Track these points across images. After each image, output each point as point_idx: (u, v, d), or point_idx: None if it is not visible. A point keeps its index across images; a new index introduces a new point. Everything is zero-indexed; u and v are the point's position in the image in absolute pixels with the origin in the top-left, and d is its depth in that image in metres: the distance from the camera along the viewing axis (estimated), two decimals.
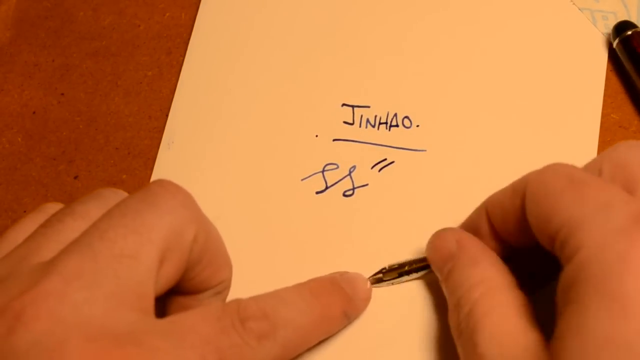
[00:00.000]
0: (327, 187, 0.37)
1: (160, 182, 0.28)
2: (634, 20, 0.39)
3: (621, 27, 0.38)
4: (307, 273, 0.35)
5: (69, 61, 0.42)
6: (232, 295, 0.35)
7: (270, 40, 0.40)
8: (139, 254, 0.25)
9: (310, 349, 0.31)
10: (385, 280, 0.34)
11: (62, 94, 0.41)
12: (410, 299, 0.34)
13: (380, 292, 0.34)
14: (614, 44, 0.38)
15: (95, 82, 0.41)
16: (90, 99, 0.41)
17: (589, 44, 0.38)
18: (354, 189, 0.37)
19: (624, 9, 0.39)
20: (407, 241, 0.36)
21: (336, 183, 0.37)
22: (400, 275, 0.34)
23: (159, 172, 0.38)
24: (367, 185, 0.37)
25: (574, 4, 0.40)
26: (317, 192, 0.37)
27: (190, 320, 0.25)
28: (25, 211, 0.39)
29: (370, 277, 0.34)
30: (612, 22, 0.39)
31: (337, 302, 0.31)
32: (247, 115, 0.39)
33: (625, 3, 0.39)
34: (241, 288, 0.35)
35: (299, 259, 0.36)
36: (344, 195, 0.37)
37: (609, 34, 0.38)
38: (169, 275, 0.27)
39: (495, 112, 0.38)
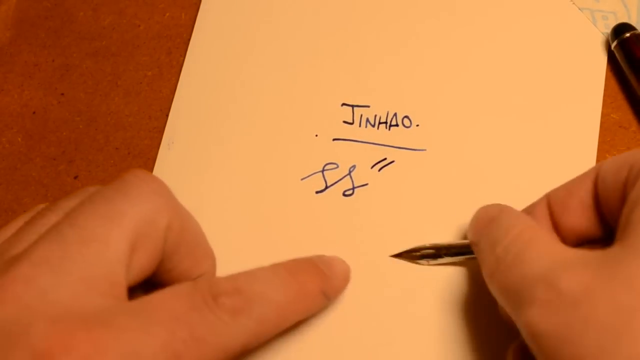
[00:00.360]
0: (327, 187, 0.37)
1: (134, 172, 0.28)
2: (634, 20, 0.39)
3: (619, 29, 0.38)
4: None
5: (69, 61, 0.42)
6: None
7: (270, 40, 0.40)
8: (108, 239, 0.25)
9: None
10: (419, 257, 0.34)
11: (62, 94, 0.41)
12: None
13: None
14: (612, 46, 0.38)
15: (95, 82, 0.41)
16: (90, 99, 0.41)
17: (589, 44, 0.38)
18: (353, 188, 0.37)
19: (624, 9, 0.39)
20: (407, 241, 0.36)
21: (336, 182, 0.37)
22: (436, 256, 0.34)
23: (159, 172, 0.38)
24: (367, 184, 0.37)
25: (574, 4, 0.40)
26: (317, 192, 0.37)
27: (159, 298, 0.25)
28: (25, 211, 0.39)
29: (405, 251, 0.34)
30: (612, 22, 0.39)
31: (314, 279, 0.31)
32: (247, 115, 0.39)
33: (625, 3, 0.39)
34: None
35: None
36: (344, 194, 0.37)
37: (608, 35, 0.38)
38: (142, 263, 0.26)
39: (495, 112, 0.38)
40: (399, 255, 0.35)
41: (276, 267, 0.29)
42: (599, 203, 0.30)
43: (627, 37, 0.37)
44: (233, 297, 0.26)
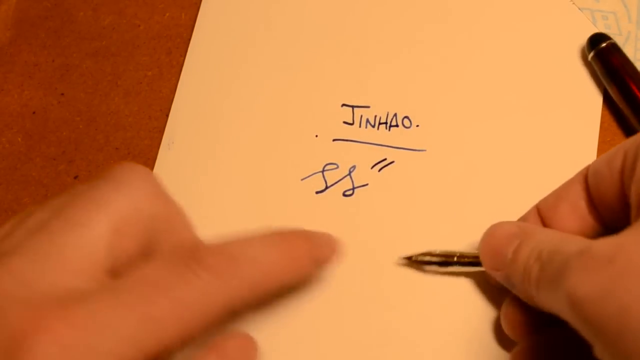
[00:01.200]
0: (327, 187, 0.37)
1: (121, 163, 0.28)
2: (633, 20, 0.39)
3: (595, 40, 0.37)
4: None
5: (69, 61, 0.42)
6: None
7: (271, 40, 0.40)
8: (89, 221, 0.25)
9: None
10: (427, 263, 0.34)
11: (62, 94, 0.41)
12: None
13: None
14: (589, 57, 0.37)
15: (95, 82, 0.41)
16: (90, 99, 0.41)
17: None
18: (353, 188, 0.37)
19: (623, 9, 0.39)
20: (406, 241, 0.36)
21: (336, 183, 0.37)
22: (445, 264, 0.34)
23: (159, 172, 0.38)
24: (367, 185, 0.37)
25: (574, 4, 0.40)
26: (317, 192, 0.37)
27: (139, 271, 0.25)
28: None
29: (415, 255, 0.34)
30: (612, 22, 0.39)
31: (303, 244, 0.30)
32: (247, 115, 0.39)
33: (625, 3, 0.39)
34: None
35: None
36: (344, 195, 0.37)
37: (584, 47, 0.38)
38: (127, 247, 0.26)
39: (494, 112, 0.38)
40: (407, 259, 0.34)
41: (265, 233, 0.29)
42: (592, 202, 0.30)
43: (604, 47, 0.37)
44: (217, 256, 0.26)
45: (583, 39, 0.38)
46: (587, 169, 0.30)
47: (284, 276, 0.29)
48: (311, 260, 0.30)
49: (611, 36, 0.38)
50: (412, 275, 0.35)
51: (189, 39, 0.41)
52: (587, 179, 0.30)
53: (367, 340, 0.34)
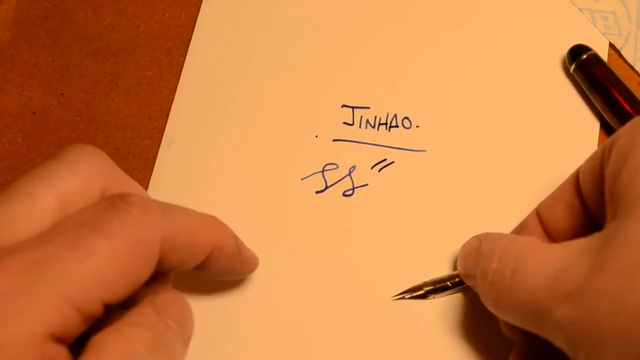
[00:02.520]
0: (327, 187, 0.37)
1: (72, 144, 0.28)
2: (633, 20, 0.39)
3: (575, 52, 0.37)
4: (306, 271, 0.35)
5: (69, 61, 0.42)
6: (233, 294, 0.35)
7: (271, 41, 0.40)
8: (34, 192, 0.25)
9: None
10: (423, 296, 0.34)
11: (62, 94, 0.41)
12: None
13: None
14: (571, 70, 0.37)
15: (95, 82, 0.41)
16: (90, 99, 0.41)
17: (588, 43, 0.38)
18: (353, 188, 0.37)
19: (623, 9, 0.39)
20: (406, 240, 0.36)
21: (336, 183, 0.37)
22: (442, 290, 0.34)
23: (159, 172, 0.38)
24: (367, 185, 0.37)
25: (573, 4, 0.40)
26: (317, 192, 0.37)
27: (69, 217, 0.25)
28: None
29: (409, 292, 0.34)
30: (612, 22, 0.39)
31: (230, 231, 0.31)
32: (247, 115, 0.39)
33: (625, 3, 0.39)
34: (241, 286, 0.35)
35: (298, 257, 0.36)
36: (344, 195, 0.37)
37: (564, 58, 0.38)
38: None
39: (494, 112, 0.38)
40: (402, 295, 0.35)
41: None
42: (583, 199, 0.30)
43: (585, 59, 0.37)
44: (144, 197, 0.26)
45: (583, 40, 0.38)
46: (579, 167, 0.30)
47: (209, 236, 0.29)
48: (234, 243, 0.30)
49: (611, 36, 0.39)
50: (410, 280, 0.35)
51: (189, 39, 0.41)
52: (578, 179, 0.30)
53: (368, 338, 0.34)
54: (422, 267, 0.35)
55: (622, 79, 0.36)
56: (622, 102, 0.36)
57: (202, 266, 0.29)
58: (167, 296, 0.27)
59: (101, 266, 0.24)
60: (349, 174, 0.37)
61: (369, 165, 0.37)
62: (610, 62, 0.38)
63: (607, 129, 0.37)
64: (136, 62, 0.41)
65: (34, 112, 0.41)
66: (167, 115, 0.39)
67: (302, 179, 0.37)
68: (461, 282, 0.34)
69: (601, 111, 0.37)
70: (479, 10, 0.40)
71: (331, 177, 0.37)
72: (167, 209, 0.27)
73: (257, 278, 0.35)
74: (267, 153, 0.38)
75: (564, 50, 0.38)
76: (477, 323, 0.34)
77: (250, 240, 0.36)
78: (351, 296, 0.35)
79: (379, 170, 0.37)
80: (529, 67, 0.38)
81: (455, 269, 0.35)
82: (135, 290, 0.26)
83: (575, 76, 0.37)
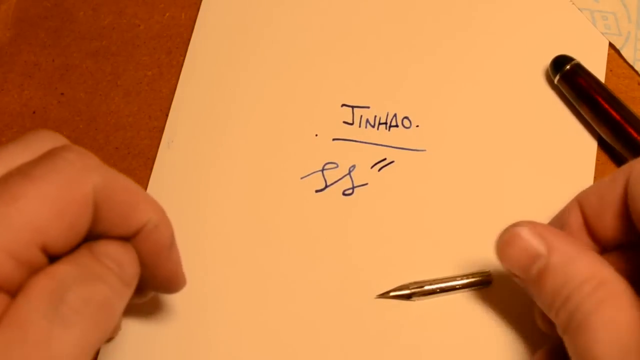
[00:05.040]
0: (326, 186, 0.37)
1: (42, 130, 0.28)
2: (633, 20, 0.39)
3: (559, 63, 0.37)
4: (306, 271, 0.35)
5: (69, 61, 0.42)
6: (234, 292, 0.35)
7: (271, 40, 0.40)
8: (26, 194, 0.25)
9: None
10: (408, 297, 0.34)
11: (62, 94, 0.41)
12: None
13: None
14: (556, 81, 0.37)
15: (95, 82, 0.41)
16: (90, 99, 0.41)
17: (588, 44, 0.38)
18: (353, 188, 0.37)
19: (623, 9, 0.39)
20: (406, 240, 0.36)
21: (336, 182, 0.37)
22: (429, 293, 0.34)
23: (158, 172, 0.38)
24: (366, 184, 0.37)
25: (573, 4, 0.40)
26: (317, 191, 0.37)
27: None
28: None
29: (396, 291, 0.34)
30: (612, 22, 0.39)
31: (168, 218, 0.29)
32: (247, 114, 0.39)
33: (625, 3, 0.40)
34: (241, 285, 0.35)
35: (298, 256, 0.36)
36: (344, 194, 0.37)
37: (547, 69, 0.37)
38: (71, 222, 0.26)
39: (494, 113, 0.38)
40: (385, 295, 0.35)
41: None
42: (628, 209, 0.29)
43: (569, 69, 0.36)
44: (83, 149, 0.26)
45: (583, 39, 0.38)
46: (630, 171, 0.28)
47: (148, 208, 0.28)
48: (170, 233, 0.29)
49: (611, 36, 0.39)
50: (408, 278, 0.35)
51: (189, 39, 0.41)
52: (627, 186, 0.29)
53: (367, 340, 0.34)
54: (421, 266, 0.35)
55: (622, 79, 0.36)
56: (610, 109, 0.35)
57: (135, 243, 0.28)
58: (105, 240, 0.27)
59: (30, 210, 0.24)
60: (349, 173, 0.37)
61: (368, 164, 0.37)
62: (610, 62, 0.38)
63: (595, 135, 0.37)
64: (136, 62, 0.41)
65: (34, 112, 0.41)
66: (167, 115, 0.39)
67: (301, 178, 0.37)
68: (451, 289, 0.34)
69: (591, 122, 0.36)
70: (479, 10, 0.40)
71: (331, 176, 0.37)
72: (109, 167, 0.26)
73: (256, 277, 0.35)
74: (267, 152, 0.38)
75: (563, 49, 0.38)
76: (468, 324, 0.34)
77: (250, 239, 0.36)
78: (350, 295, 0.35)
79: (379, 170, 0.37)
80: (528, 67, 0.38)
81: (455, 269, 0.35)
82: (78, 238, 0.25)
83: (560, 87, 0.37)
